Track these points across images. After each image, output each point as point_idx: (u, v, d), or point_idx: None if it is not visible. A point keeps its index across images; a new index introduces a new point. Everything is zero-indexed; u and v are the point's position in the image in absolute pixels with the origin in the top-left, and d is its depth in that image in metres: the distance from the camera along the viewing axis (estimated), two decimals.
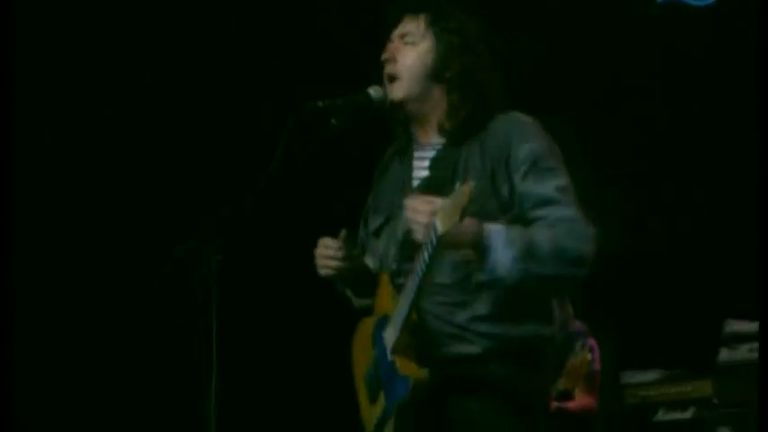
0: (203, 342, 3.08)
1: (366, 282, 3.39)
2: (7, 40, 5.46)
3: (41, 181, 6.42)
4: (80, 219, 6.47)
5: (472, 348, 3.15)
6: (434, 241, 2.98)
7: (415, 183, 3.32)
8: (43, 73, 6.38)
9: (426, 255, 3.02)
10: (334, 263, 3.32)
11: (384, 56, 3.32)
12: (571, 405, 5.21)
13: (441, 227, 2.95)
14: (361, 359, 3.37)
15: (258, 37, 6.55)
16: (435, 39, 3.31)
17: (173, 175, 6.47)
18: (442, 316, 3.17)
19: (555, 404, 5.09)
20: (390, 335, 3.16)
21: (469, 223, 3.06)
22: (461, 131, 3.28)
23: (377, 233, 3.40)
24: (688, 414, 5.39)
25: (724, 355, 5.35)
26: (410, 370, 3.10)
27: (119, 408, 6.40)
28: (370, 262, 3.44)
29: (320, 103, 3.25)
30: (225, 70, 6.54)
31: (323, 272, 3.35)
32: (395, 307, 3.17)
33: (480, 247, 3.06)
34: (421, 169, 3.33)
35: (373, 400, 3.27)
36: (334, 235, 3.37)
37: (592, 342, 5.31)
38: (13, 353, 5.20)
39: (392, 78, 3.30)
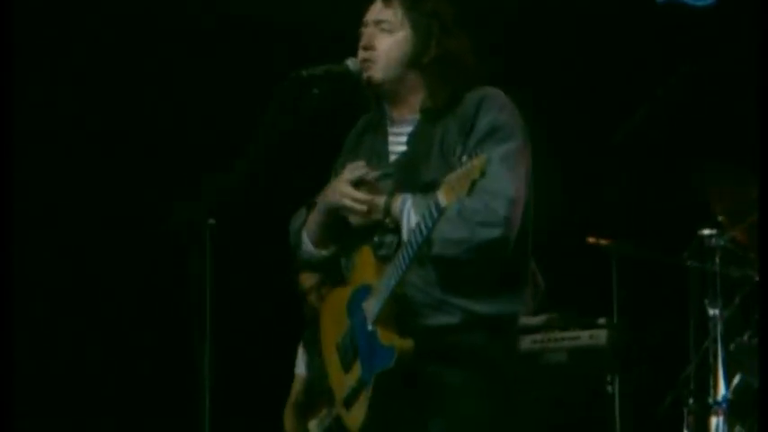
0: (197, 311, 3.08)
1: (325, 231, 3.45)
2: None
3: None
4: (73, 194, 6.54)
5: (450, 319, 3.24)
6: (435, 214, 3.05)
7: (393, 157, 3.40)
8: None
9: (423, 227, 3.09)
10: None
11: (361, 43, 3.39)
12: None
13: (444, 200, 3.01)
14: (333, 329, 3.43)
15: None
16: (412, 26, 3.37)
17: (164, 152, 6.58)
18: (422, 288, 3.25)
19: None
20: (373, 305, 3.23)
21: (377, 197, 3.27)
22: (437, 109, 3.36)
23: None
24: None
25: None
26: (394, 340, 3.17)
27: (109, 382, 6.44)
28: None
29: (304, 73, 3.32)
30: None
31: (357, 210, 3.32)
32: (378, 277, 3.24)
33: (392, 216, 3.25)
34: (397, 144, 3.41)
35: (347, 369, 3.34)
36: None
37: None
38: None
39: (369, 63, 3.37)
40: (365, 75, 3.37)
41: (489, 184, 3.12)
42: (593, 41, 6.38)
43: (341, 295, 3.42)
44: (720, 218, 5.45)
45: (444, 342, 3.22)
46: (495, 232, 3.17)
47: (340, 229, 3.40)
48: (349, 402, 3.32)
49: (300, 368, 6.13)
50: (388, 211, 3.26)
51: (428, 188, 3.22)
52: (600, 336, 5.73)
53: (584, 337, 5.72)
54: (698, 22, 6.20)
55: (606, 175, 5.99)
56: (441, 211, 3.04)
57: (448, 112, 3.34)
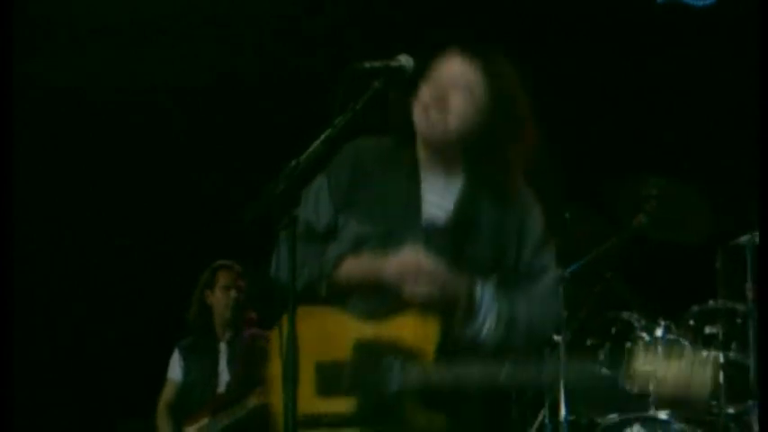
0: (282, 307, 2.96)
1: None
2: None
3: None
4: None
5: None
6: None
7: (429, 209, 3.27)
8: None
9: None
10: (436, 286, 3.16)
11: (433, 93, 3.25)
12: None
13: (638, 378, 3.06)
14: (308, 344, 3.16)
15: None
16: (486, 92, 3.26)
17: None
18: None
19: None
20: (417, 378, 3.14)
21: (456, 277, 3.15)
22: (485, 188, 3.28)
23: (362, 241, 3.30)
24: None
25: None
26: (421, 420, 3.15)
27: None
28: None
29: (367, 65, 3.19)
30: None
31: (417, 296, 3.16)
32: (434, 353, 3.15)
33: (471, 305, 3.17)
34: (436, 198, 3.29)
35: (325, 393, 3.23)
36: None
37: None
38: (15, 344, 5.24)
39: (438, 117, 3.24)
40: (431, 129, 3.25)
41: (547, 292, 3.29)
42: (592, 41, 6.38)
43: (342, 323, 3.28)
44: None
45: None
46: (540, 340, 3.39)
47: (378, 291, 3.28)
48: (311, 423, 3.18)
49: (174, 372, 6.12)
50: (470, 296, 3.17)
51: (468, 264, 3.19)
52: None
53: None
54: (698, 22, 6.20)
55: None
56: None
57: (493, 195, 3.28)
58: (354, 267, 3.28)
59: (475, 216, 3.26)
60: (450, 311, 3.17)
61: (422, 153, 3.33)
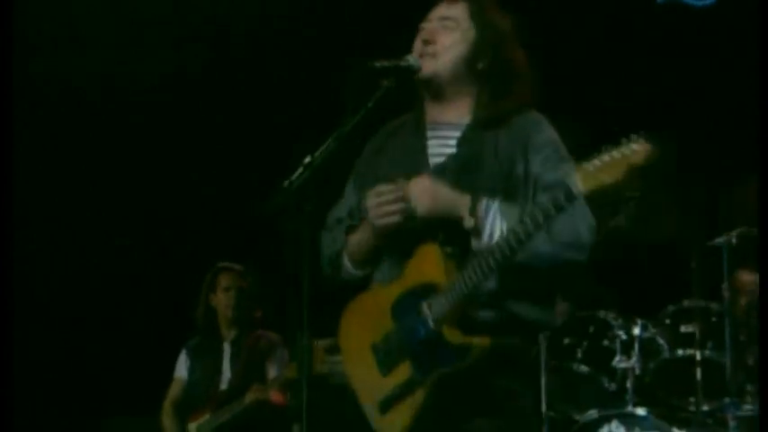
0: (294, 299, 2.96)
1: (373, 252, 3.35)
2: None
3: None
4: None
5: (490, 315, 3.16)
6: (563, 202, 2.93)
7: (434, 160, 3.32)
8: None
9: (541, 217, 2.97)
10: (399, 206, 3.21)
11: (422, 37, 3.35)
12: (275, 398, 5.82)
13: (580, 186, 2.91)
14: (363, 331, 3.30)
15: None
16: (475, 29, 3.35)
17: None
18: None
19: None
20: (441, 303, 3.11)
21: (460, 194, 3.16)
22: (488, 118, 3.31)
23: None
24: None
25: None
26: (466, 339, 3.08)
27: None
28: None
29: (377, 64, 3.26)
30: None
31: (383, 221, 3.23)
32: (447, 276, 3.13)
33: (476, 216, 3.13)
34: (440, 147, 3.33)
35: (386, 371, 3.22)
36: None
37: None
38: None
39: (429, 56, 3.32)
40: (423, 68, 3.31)
41: (573, 214, 3.09)
42: (592, 41, 6.38)
43: (378, 297, 3.31)
44: None
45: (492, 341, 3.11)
46: (580, 256, 3.18)
47: (388, 248, 3.32)
48: (386, 405, 3.20)
49: (181, 371, 6.22)
50: (473, 211, 3.14)
51: (479, 192, 3.17)
52: None
53: None
54: (698, 22, 6.20)
55: None
56: (572, 198, 2.91)
57: (498, 126, 3.30)
58: (359, 230, 3.36)
59: (478, 147, 3.27)
60: (453, 228, 3.17)
61: (427, 107, 3.40)
